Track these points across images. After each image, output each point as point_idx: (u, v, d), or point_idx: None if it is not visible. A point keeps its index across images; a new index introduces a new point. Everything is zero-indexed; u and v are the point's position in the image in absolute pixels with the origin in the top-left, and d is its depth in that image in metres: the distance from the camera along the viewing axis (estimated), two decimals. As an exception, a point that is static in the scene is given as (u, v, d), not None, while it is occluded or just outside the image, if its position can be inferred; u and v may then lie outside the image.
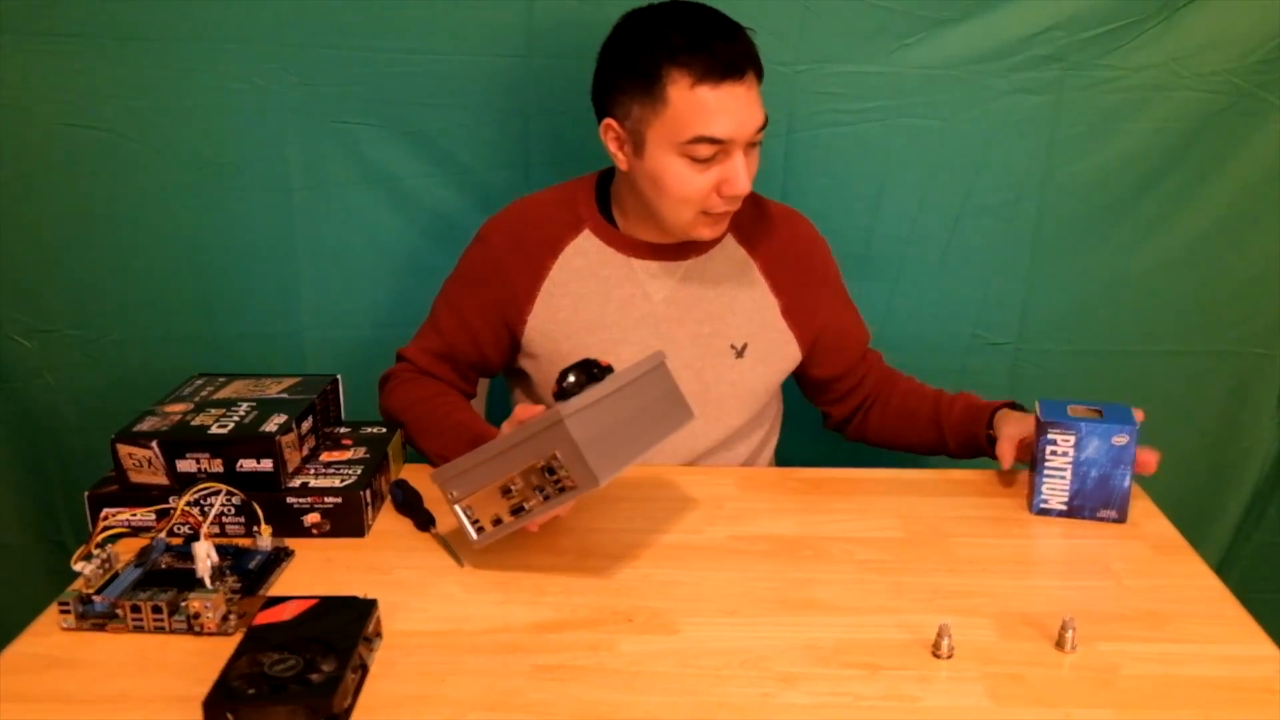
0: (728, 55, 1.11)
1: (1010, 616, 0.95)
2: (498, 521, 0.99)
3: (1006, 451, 1.19)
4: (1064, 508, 1.13)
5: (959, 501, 1.18)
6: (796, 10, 1.41)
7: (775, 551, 1.07)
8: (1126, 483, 1.10)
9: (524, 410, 1.05)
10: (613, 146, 1.21)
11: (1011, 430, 1.20)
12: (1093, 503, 1.12)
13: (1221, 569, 1.61)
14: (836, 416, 1.41)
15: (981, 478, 1.24)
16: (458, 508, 1.00)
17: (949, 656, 0.89)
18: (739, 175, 1.14)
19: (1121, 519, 1.12)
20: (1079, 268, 1.54)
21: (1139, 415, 1.12)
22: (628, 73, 1.16)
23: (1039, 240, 1.52)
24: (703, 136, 1.12)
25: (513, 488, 0.98)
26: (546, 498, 0.97)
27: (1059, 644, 0.90)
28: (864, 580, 1.01)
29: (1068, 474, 1.11)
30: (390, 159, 1.48)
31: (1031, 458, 1.15)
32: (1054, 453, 1.11)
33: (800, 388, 1.42)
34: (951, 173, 1.49)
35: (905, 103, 1.45)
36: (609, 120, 1.19)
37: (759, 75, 1.16)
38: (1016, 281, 1.55)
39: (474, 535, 1.00)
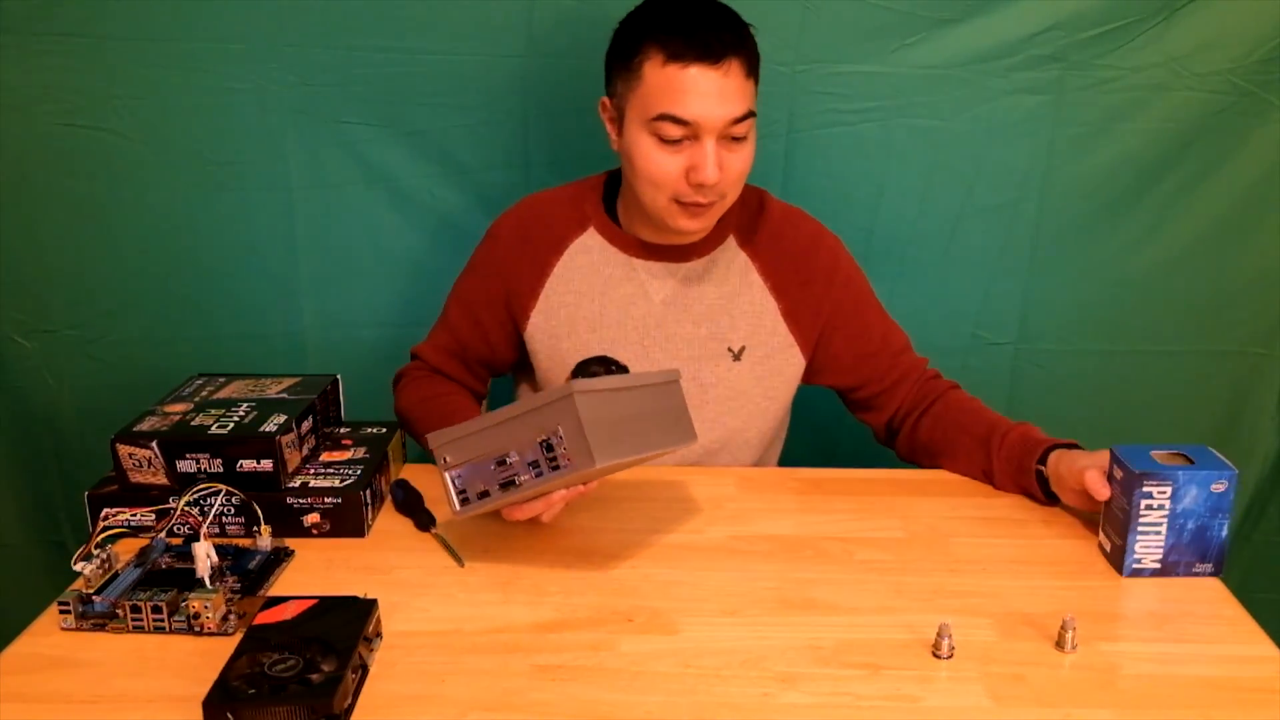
0: (704, 38, 1.11)
1: (1010, 616, 0.95)
2: (484, 495, 0.99)
3: (1097, 480, 1.04)
4: (1157, 565, 1.01)
5: (959, 501, 1.18)
6: (796, 10, 1.41)
7: (775, 551, 1.07)
8: (1224, 533, 1.00)
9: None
10: (607, 125, 1.22)
11: (1090, 461, 1.07)
12: (1188, 557, 1.01)
13: (1221, 569, 1.61)
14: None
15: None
16: (447, 475, 1.00)
17: (949, 656, 0.89)
18: (706, 163, 1.13)
19: (1217, 572, 1.02)
20: (1079, 268, 1.54)
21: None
22: (617, 48, 1.18)
23: (1039, 240, 1.52)
24: (667, 115, 1.12)
25: (508, 459, 0.98)
26: (539, 474, 0.97)
27: (1059, 644, 0.90)
28: (864, 580, 1.01)
29: (1163, 529, 1.00)
30: (390, 159, 1.48)
31: (1101, 508, 1.06)
32: (1149, 506, 0.99)
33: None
34: (951, 173, 1.49)
35: (905, 103, 1.45)
36: (604, 98, 1.21)
37: (748, 69, 1.14)
38: (1016, 281, 1.55)
39: (457, 505, 1.00)
